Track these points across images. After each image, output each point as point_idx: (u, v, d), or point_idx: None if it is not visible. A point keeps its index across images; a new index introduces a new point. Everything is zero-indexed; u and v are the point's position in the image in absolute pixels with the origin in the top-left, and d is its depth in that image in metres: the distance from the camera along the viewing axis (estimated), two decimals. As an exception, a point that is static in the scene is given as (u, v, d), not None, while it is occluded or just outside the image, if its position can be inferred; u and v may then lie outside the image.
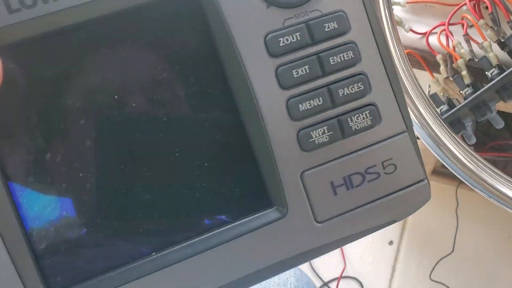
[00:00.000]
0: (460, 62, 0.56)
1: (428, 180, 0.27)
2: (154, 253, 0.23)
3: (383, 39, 0.25)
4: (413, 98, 0.49)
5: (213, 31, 0.23)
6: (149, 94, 0.23)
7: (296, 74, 0.24)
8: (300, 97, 0.24)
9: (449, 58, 0.59)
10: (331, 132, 0.24)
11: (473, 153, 0.49)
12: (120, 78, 0.22)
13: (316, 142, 0.24)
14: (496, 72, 0.54)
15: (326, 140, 0.24)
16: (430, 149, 0.49)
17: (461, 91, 0.56)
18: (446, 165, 0.46)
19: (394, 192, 0.26)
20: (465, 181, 0.45)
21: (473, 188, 0.44)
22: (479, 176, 0.44)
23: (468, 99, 0.54)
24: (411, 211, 0.27)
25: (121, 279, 0.23)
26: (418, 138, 0.56)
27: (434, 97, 0.59)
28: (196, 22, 0.23)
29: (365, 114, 0.25)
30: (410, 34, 0.62)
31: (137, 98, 0.23)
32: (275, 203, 0.24)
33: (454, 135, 0.45)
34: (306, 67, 0.24)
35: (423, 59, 0.61)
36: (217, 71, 0.23)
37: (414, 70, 0.62)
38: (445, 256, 1.18)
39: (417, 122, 0.47)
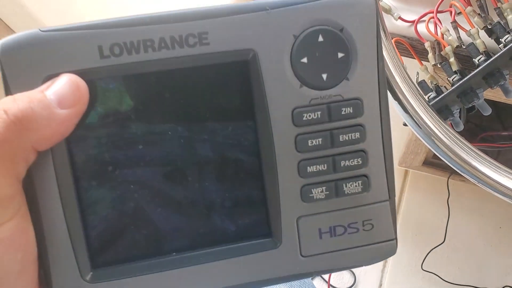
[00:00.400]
0: (448, 49, 0.57)
1: (396, 240, 0.32)
2: (174, 253, 0.30)
3: (388, 125, 0.31)
4: (401, 86, 0.50)
5: (253, 96, 0.29)
6: (196, 133, 0.30)
7: (310, 144, 0.30)
8: (310, 161, 0.30)
9: (437, 45, 0.59)
10: (327, 192, 0.30)
11: (461, 139, 0.49)
12: (177, 117, 0.30)
13: (314, 197, 0.30)
14: (483, 58, 0.54)
15: (322, 197, 0.30)
16: (418, 135, 0.49)
17: (449, 78, 0.57)
18: (435, 152, 0.47)
19: (367, 245, 0.31)
20: (454, 167, 0.45)
21: (462, 174, 0.44)
22: (468, 162, 0.44)
23: (455, 85, 0.54)
24: (377, 261, 0.32)
25: (144, 269, 0.30)
26: (406, 125, 0.57)
27: (422, 85, 0.59)
28: (241, 87, 0.30)
29: (358, 183, 0.30)
30: (399, 22, 0.63)
31: (186, 134, 0.30)
32: (273, 235, 0.31)
33: (442, 121, 0.46)
34: (320, 139, 0.30)
35: (412, 46, 0.62)
36: (250, 126, 0.30)
37: (403, 58, 0.62)
38: (437, 246, 1.19)
39: (405, 110, 0.47)
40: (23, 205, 0.27)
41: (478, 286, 1.18)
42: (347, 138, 0.30)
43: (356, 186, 0.30)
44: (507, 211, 1.25)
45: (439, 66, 0.58)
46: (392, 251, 0.32)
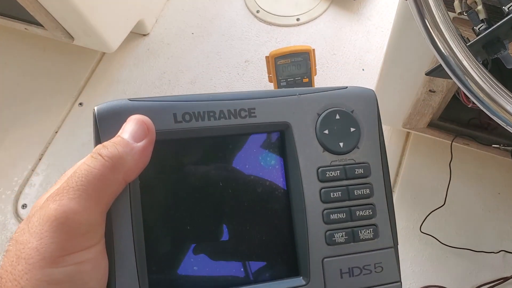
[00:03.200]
0: (475, -4, 0.55)
1: (401, 282, 0.38)
2: None
3: (389, 183, 0.38)
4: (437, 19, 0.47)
5: (287, 158, 0.37)
6: (240, 186, 0.37)
7: (332, 196, 0.37)
8: (332, 210, 0.36)
9: (464, -7, 0.57)
10: (347, 237, 0.36)
11: (495, 80, 0.47)
12: (226, 174, 0.37)
13: (337, 241, 0.36)
14: (512, 7, 0.52)
15: (343, 241, 0.36)
16: (453, 76, 0.47)
17: (474, 27, 0.55)
18: (465, 91, 0.44)
19: (378, 285, 0.37)
20: (485, 109, 0.43)
21: (495, 117, 0.42)
22: (502, 106, 0.42)
23: (482, 34, 0.53)
24: None
25: None
26: (429, 74, 0.55)
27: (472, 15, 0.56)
28: (278, 151, 0.38)
29: (370, 230, 0.37)
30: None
31: (233, 187, 0.37)
32: (302, 274, 0.36)
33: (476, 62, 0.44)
34: (339, 192, 0.37)
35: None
36: (283, 181, 0.38)
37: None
38: (436, 209, 1.19)
39: (437, 48, 0.45)
40: (103, 231, 0.33)
41: (474, 250, 1.18)
42: (360, 193, 0.37)
43: (368, 233, 0.37)
44: (506, 178, 1.26)
45: (465, 14, 0.55)
46: None
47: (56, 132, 1.48)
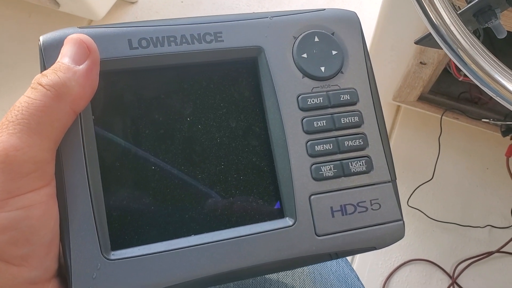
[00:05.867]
0: (467, -38, 0.53)
1: (403, 221, 0.34)
2: (192, 234, 0.32)
3: (381, 113, 0.35)
4: None
5: (262, 87, 0.34)
6: (211, 121, 0.33)
7: (315, 125, 0.33)
8: (316, 141, 0.33)
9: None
10: (335, 170, 0.33)
11: (486, 50, 0.45)
12: (195, 106, 0.33)
13: (324, 175, 0.33)
14: (506, -27, 0.50)
15: (331, 175, 0.33)
16: (442, 45, 0.45)
17: (466, -5, 0.53)
18: (457, 63, 0.43)
19: (377, 225, 0.33)
20: (476, 81, 0.42)
21: (485, 88, 0.41)
22: (492, 76, 0.40)
23: (473, 2, 0.51)
24: (388, 243, 0.34)
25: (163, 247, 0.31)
26: (418, 43, 0.53)
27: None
28: (251, 79, 0.34)
29: (362, 162, 0.33)
30: None
31: (203, 121, 0.33)
32: (287, 214, 0.33)
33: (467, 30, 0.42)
34: (324, 121, 0.33)
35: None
36: (261, 114, 0.34)
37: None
38: (424, 183, 1.19)
39: (428, 16, 0.44)
40: (53, 174, 0.29)
41: (461, 224, 1.19)
42: (347, 121, 0.33)
43: (360, 165, 0.33)
44: (495, 153, 1.25)
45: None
46: (401, 233, 0.34)
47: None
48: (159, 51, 0.32)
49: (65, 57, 0.29)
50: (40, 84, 0.28)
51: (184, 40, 0.32)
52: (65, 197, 0.29)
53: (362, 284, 0.54)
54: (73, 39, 0.30)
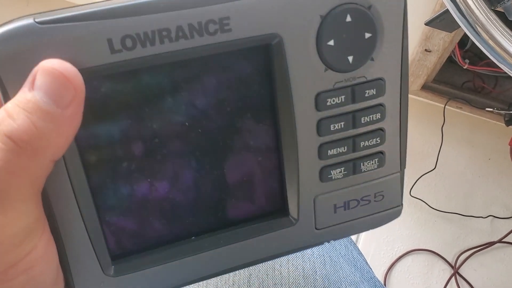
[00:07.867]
0: None
1: (402, 205, 0.33)
2: (193, 237, 0.30)
3: (406, 102, 0.30)
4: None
5: (276, 80, 0.28)
6: (215, 122, 0.28)
7: (332, 128, 0.29)
8: (330, 144, 0.29)
9: None
10: (346, 172, 0.30)
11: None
12: (195, 109, 0.28)
13: (333, 178, 0.30)
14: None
15: (340, 177, 0.30)
16: (460, 23, 0.44)
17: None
18: (475, 41, 0.42)
19: (377, 213, 0.32)
20: (494, 58, 0.41)
21: (502, 66, 0.40)
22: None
23: (487, -18, 0.50)
24: (383, 224, 0.33)
25: (166, 257, 0.29)
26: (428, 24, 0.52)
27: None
28: (264, 72, 0.28)
29: (375, 160, 0.30)
30: None
31: (205, 124, 0.28)
32: (291, 214, 0.31)
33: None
34: (342, 123, 0.29)
35: None
36: (272, 112, 0.29)
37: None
38: (427, 173, 1.19)
39: None
40: (45, 217, 0.26)
41: (463, 214, 1.18)
42: (368, 120, 0.29)
43: (373, 163, 0.30)
44: (497, 143, 1.25)
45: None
46: (397, 215, 0.33)
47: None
48: (149, 52, 0.24)
49: (39, 91, 0.22)
50: (10, 139, 0.21)
51: (180, 34, 0.25)
52: (59, 230, 0.26)
53: (370, 268, 0.54)
54: (53, 73, 0.22)
